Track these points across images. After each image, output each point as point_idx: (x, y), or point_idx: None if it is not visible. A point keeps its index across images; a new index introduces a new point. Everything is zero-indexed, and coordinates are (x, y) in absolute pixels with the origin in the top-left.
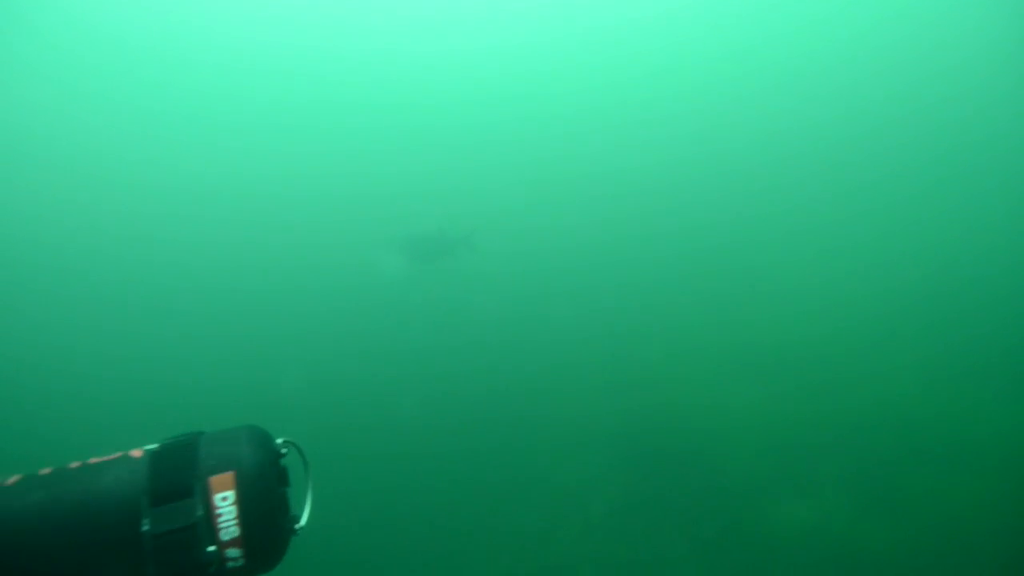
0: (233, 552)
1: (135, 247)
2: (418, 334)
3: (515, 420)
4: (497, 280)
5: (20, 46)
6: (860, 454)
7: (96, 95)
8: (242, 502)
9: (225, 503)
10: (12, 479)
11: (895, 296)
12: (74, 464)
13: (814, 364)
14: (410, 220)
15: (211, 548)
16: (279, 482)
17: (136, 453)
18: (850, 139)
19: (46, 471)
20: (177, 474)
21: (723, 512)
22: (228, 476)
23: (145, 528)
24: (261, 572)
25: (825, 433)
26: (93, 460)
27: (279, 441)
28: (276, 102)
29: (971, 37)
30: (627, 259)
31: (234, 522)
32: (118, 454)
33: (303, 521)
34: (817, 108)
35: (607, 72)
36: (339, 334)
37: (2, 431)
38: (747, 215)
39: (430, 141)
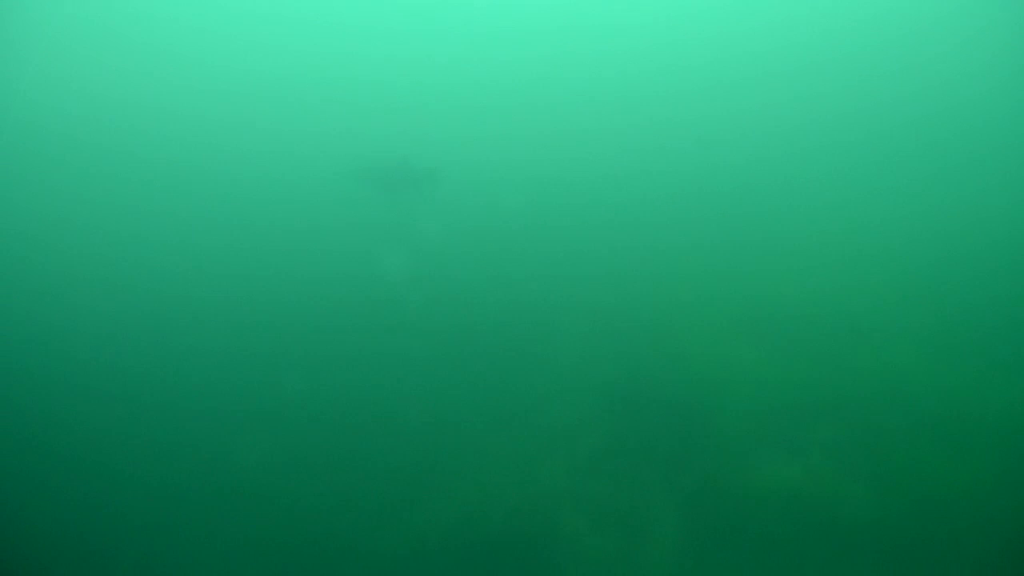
0: None
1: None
2: (412, 261)
3: (506, 353)
4: (496, 209)
5: None
6: (853, 421)
7: None
8: None
9: None
10: None
11: (901, 262)
12: None
13: (816, 326)
14: (374, 147)
15: None
16: None
17: None
18: (869, 102)
19: None
20: None
21: (708, 465)
22: None
23: None
24: None
25: (819, 396)
26: None
27: None
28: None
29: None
30: (636, 200)
31: None
32: None
33: None
34: (839, 71)
35: None
36: (334, 273)
37: None
38: (761, 172)
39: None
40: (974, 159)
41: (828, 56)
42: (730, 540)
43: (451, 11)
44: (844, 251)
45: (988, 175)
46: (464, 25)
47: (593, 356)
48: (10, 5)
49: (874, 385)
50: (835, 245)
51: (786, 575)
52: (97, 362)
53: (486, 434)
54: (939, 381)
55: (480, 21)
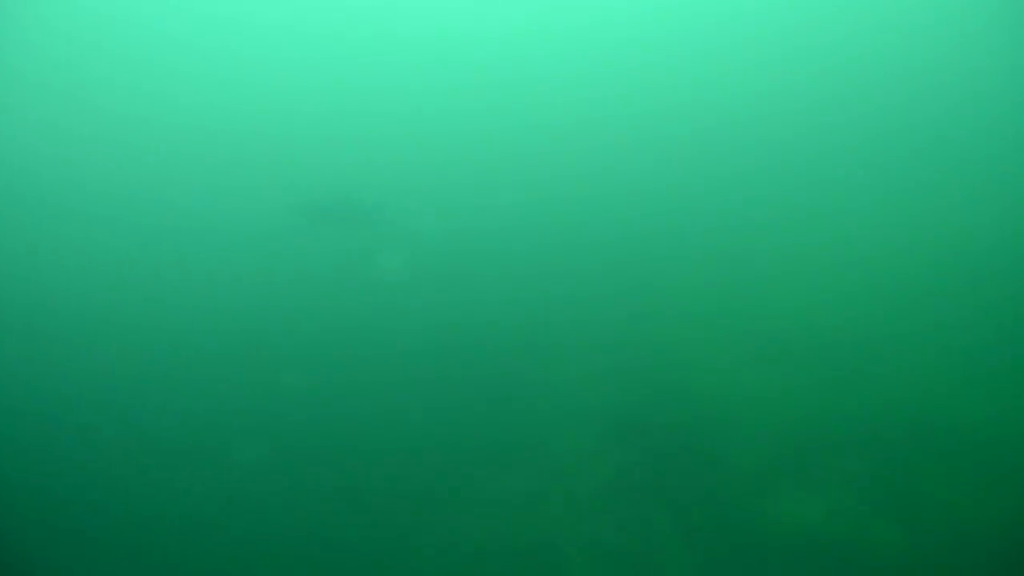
0: None
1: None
2: (408, 286)
3: (501, 383)
4: (494, 231)
5: None
6: (874, 451)
7: None
8: None
9: None
10: None
11: (923, 285)
12: None
13: (833, 351)
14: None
15: None
16: None
17: None
18: (885, 118)
19: None
20: None
21: (719, 501)
22: None
23: None
24: None
25: (838, 426)
26: None
27: None
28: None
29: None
30: (634, 219)
31: None
32: None
33: None
34: (854, 94)
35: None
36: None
37: None
38: (770, 187)
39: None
40: (999, 173)
41: (839, 68)
42: None
43: (405, 48)
44: (861, 268)
45: (1011, 189)
46: (422, 59)
47: (593, 384)
48: None
49: (899, 410)
50: (851, 262)
51: None
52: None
53: (482, 470)
54: (972, 404)
55: (441, 55)
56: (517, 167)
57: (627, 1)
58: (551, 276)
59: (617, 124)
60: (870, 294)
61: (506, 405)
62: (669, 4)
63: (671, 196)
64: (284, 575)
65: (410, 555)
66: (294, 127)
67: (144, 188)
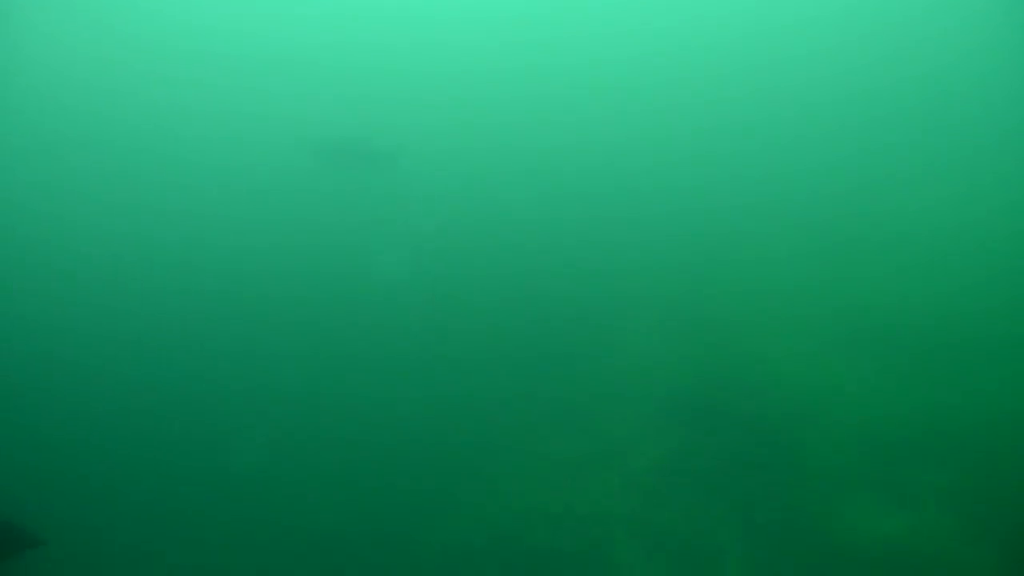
0: None
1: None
2: (460, 253)
3: (561, 341)
4: (554, 193)
5: None
6: (980, 463)
7: None
8: None
9: None
10: None
11: None
12: None
13: (938, 346)
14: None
15: None
16: None
17: None
18: (998, 102)
19: None
20: None
21: (790, 502)
22: None
23: None
24: None
25: (938, 433)
26: None
27: None
28: None
29: None
30: (721, 179)
31: None
32: None
33: None
34: (965, 59)
35: None
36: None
37: None
38: (876, 154)
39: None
40: None
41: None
42: None
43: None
44: (974, 255)
45: None
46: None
47: (655, 358)
48: None
49: (1007, 419)
50: (964, 246)
51: None
52: (87, 362)
53: (530, 438)
54: None
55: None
56: (580, 123)
57: None
58: (616, 238)
59: (690, 77)
60: (986, 284)
61: (562, 370)
62: None
63: (753, 155)
64: (328, 532)
65: (450, 522)
66: (309, 64)
67: (148, 119)
